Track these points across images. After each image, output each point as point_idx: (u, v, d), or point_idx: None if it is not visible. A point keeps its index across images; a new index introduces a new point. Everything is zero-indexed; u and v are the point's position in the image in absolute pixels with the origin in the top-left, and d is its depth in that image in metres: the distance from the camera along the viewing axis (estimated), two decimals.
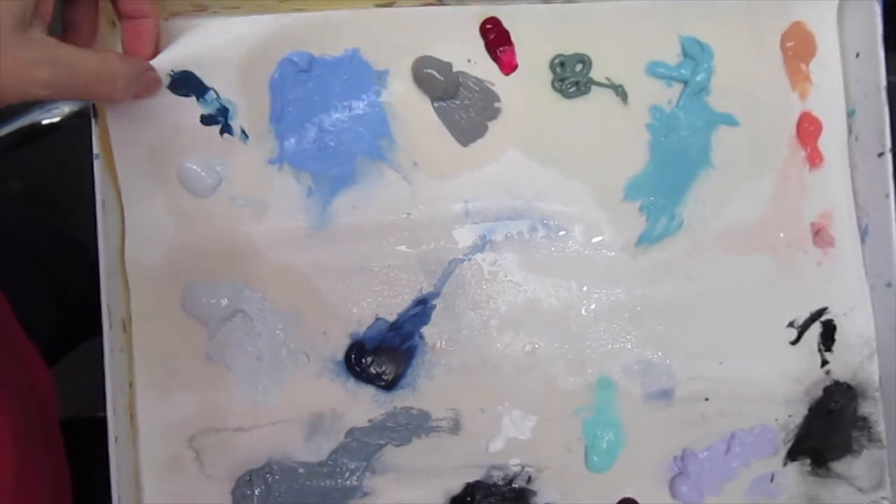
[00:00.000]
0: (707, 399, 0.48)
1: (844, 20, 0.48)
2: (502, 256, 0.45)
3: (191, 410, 0.43)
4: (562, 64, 0.45)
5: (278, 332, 0.44)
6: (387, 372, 0.45)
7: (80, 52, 0.34)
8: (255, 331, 0.44)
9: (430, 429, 0.45)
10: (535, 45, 0.45)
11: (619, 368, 0.47)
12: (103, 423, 0.40)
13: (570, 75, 0.45)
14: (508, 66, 0.45)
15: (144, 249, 0.43)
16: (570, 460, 0.46)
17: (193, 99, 0.42)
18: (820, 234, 0.49)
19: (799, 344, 0.49)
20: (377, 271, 0.44)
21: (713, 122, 0.47)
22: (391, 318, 0.45)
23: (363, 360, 0.44)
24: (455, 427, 0.45)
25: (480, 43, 0.44)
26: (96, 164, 0.40)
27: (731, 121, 0.47)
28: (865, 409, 0.49)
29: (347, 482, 0.45)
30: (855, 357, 0.49)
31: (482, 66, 0.45)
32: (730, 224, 0.47)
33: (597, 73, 0.45)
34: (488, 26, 0.44)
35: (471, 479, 0.46)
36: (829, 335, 0.49)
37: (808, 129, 0.48)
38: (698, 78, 0.46)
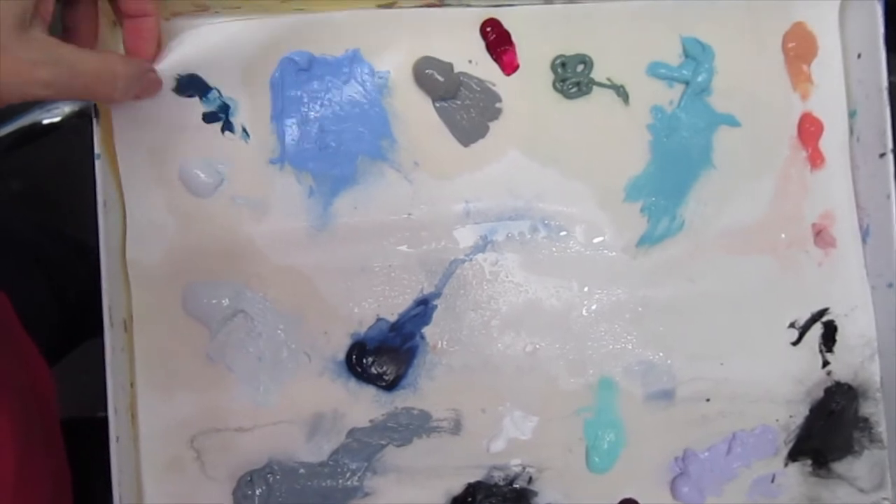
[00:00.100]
0: (708, 399, 0.48)
1: (846, 21, 0.48)
2: (503, 257, 0.45)
3: (192, 411, 0.43)
4: (563, 64, 0.45)
5: (279, 332, 0.44)
6: (388, 372, 0.45)
7: (80, 53, 0.34)
8: (256, 331, 0.44)
9: (431, 429, 0.45)
10: (536, 45, 0.45)
11: (621, 369, 0.47)
12: (104, 423, 0.40)
13: (572, 76, 0.45)
14: (509, 67, 0.45)
15: (145, 249, 0.43)
16: (571, 461, 0.46)
17: (196, 99, 0.42)
18: (821, 235, 0.49)
19: (800, 344, 0.49)
20: (378, 271, 0.44)
21: (714, 123, 0.47)
22: (392, 318, 0.45)
23: (364, 361, 0.44)
24: (456, 427, 0.45)
25: (482, 43, 0.44)
26: (98, 164, 0.40)
27: (732, 121, 0.47)
28: (866, 409, 0.49)
29: (348, 482, 0.45)
30: (856, 358, 0.49)
31: (483, 67, 0.45)
32: (731, 225, 0.47)
33: (598, 74, 0.45)
34: (488, 28, 0.44)
35: (472, 480, 0.46)
36: (830, 336, 0.49)
37: (809, 130, 0.48)
38: (699, 78, 0.46)
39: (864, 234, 0.49)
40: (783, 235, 0.48)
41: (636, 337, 0.47)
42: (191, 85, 0.42)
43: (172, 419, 0.43)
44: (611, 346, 0.46)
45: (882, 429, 0.49)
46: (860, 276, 0.49)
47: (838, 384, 0.49)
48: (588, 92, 0.45)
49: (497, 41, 0.44)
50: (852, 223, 0.49)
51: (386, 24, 0.44)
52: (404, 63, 0.44)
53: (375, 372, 0.44)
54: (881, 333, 0.49)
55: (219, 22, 0.41)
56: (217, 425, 0.44)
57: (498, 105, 0.45)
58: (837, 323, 0.49)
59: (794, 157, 0.48)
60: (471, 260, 0.45)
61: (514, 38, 0.45)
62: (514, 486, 0.46)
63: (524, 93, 0.45)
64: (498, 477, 0.46)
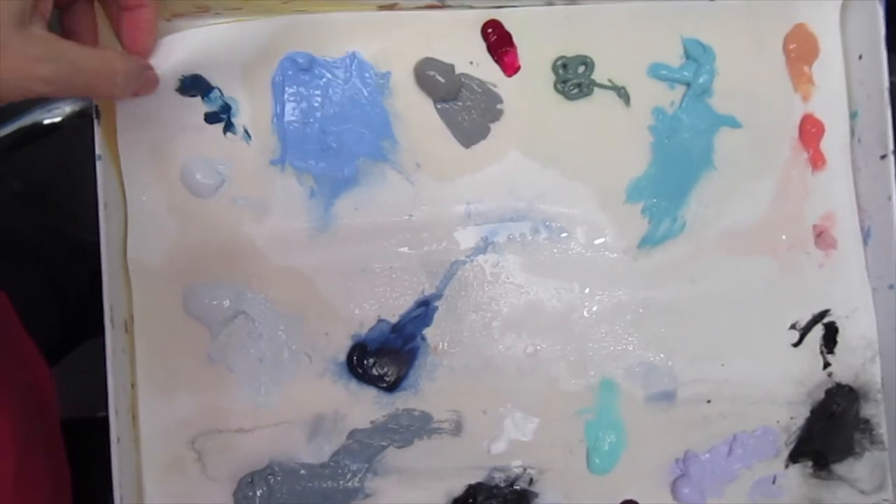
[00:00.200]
0: (709, 401, 0.47)
1: (847, 22, 0.48)
2: (504, 258, 0.45)
3: (193, 411, 0.43)
4: (564, 66, 0.45)
5: (280, 333, 0.44)
6: (389, 373, 0.44)
7: (80, 49, 0.34)
8: (257, 332, 0.44)
9: (431, 430, 0.45)
10: (537, 46, 0.45)
11: (622, 370, 0.47)
12: (104, 423, 0.40)
13: (573, 77, 0.45)
14: (511, 68, 0.45)
15: (146, 250, 0.43)
16: (572, 462, 0.46)
17: (198, 98, 0.42)
18: (822, 237, 0.49)
19: (801, 346, 0.49)
20: (379, 273, 0.44)
21: (715, 124, 0.47)
22: (393, 319, 0.45)
23: (365, 362, 0.44)
24: (457, 429, 0.45)
25: (483, 45, 0.45)
26: (99, 165, 0.40)
27: (733, 123, 0.47)
28: (867, 411, 0.49)
29: (349, 483, 0.45)
30: (857, 359, 0.49)
31: (485, 68, 0.45)
32: (732, 226, 0.47)
33: (599, 75, 0.45)
34: (489, 29, 0.44)
35: (472, 481, 0.46)
36: (831, 337, 0.49)
37: (810, 131, 0.48)
38: (701, 80, 0.46)
39: (866, 235, 0.49)
40: (784, 237, 0.48)
41: (637, 338, 0.47)
42: (194, 85, 0.42)
43: (173, 420, 0.43)
44: (612, 348, 0.46)
45: (883, 430, 0.49)
46: (861, 278, 0.49)
47: (839, 386, 0.49)
48: (589, 93, 0.45)
49: (498, 42, 0.44)
50: (853, 225, 0.49)
51: (387, 25, 0.44)
52: (405, 64, 0.44)
53: (376, 373, 0.44)
54: (882, 335, 0.49)
55: (220, 23, 0.41)
56: (218, 426, 0.44)
57: (499, 106, 0.45)
58: (838, 324, 0.49)
59: (795, 158, 0.48)
60: (472, 261, 0.45)
61: (515, 40, 0.45)
62: (515, 487, 0.46)
63: (525, 94, 0.45)
64: (499, 478, 0.46)
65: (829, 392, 0.49)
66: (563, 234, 0.46)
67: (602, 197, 0.46)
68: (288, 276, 0.44)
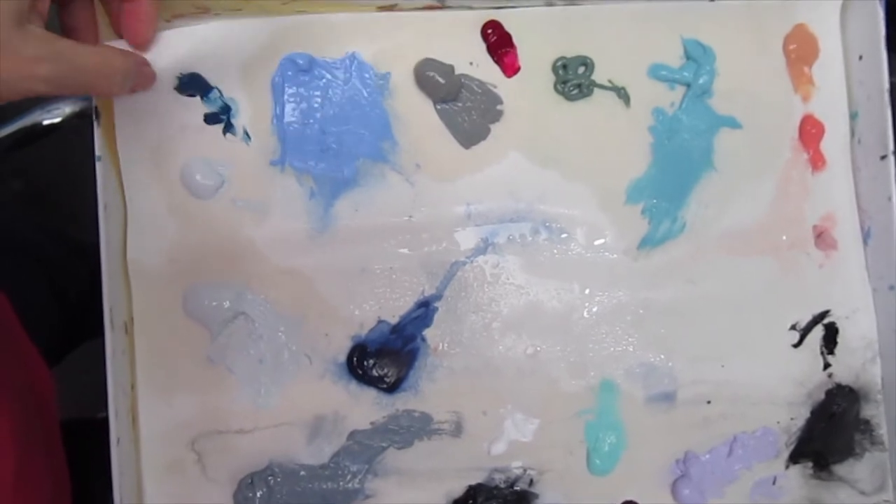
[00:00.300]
0: (709, 402, 0.47)
1: (847, 22, 0.48)
2: (504, 259, 0.45)
3: (192, 413, 0.43)
4: (564, 66, 0.45)
5: (280, 334, 0.44)
6: (389, 374, 0.44)
7: (78, 47, 0.34)
8: (257, 333, 0.44)
9: (431, 431, 0.45)
10: (537, 47, 0.45)
11: (622, 371, 0.47)
12: (103, 424, 0.40)
13: (573, 78, 0.45)
14: (511, 69, 0.45)
15: (146, 251, 0.43)
16: (572, 463, 0.46)
17: (198, 98, 0.42)
18: (822, 237, 0.49)
19: (801, 347, 0.49)
20: (379, 273, 0.44)
21: (716, 125, 0.47)
22: (393, 320, 0.45)
23: (365, 363, 0.44)
24: (457, 430, 0.45)
25: (483, 45, 0.44)
26: (98, 166, 0.40)
27: (733, 123, 0.47)
28: (868, 412, 0.49)
29: (349, 485, 0.44)
30: (857, 360, 0.49)
31: (484, 69, 0.45)
32: (732, 226, 0.47)
33: (599, 76, 0.45)
34: (489, 30, 0.44)
35: (473, 482, 0.46)
36: (831, 338, 0.49)
37: (810, 132, 0.48)
38: (701, 80, 0.46)
39: (866, 236, 0.49)
40: (784, 237, 0.48)
41: (637, 339, 0.47)
42: (192, 84, 0.42)
43: (173, 421, 0.43)
44: (612, 349, 0.46)
45: (883, 431, 0.49)
46: (861, 279, 0.49)
47: (839, 386, 0.49)
48: (589, 94, 0.45)
49: (498, 43, 0.44)
50: (853, 225, 0.49)
51: (387, 26, 0.44)
52: (405, 65, 0.44)
53: (376, 374, 0.44)
54: (882, 336, 0.49)
55: (220, 23, 0.41)
56: (218, 427, 0.44)
57: (499, 107, 0.45)
58: (839, 325, 0.49)
59: (796, 158, 0.48)
60: (472, 262, 0.45)
61: (515, 40, 0.44)
62: (515, 488, 0.46)
63: (525, 95, 0.45)
64: (499, 479, 0.46)
65: (829, 393, 0.49)
66: (563, 235, 0.46)
67: (602, 198, 0.46)
68: (288, 277, 0.44)
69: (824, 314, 0.49)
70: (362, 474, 0.45)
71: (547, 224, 0.46)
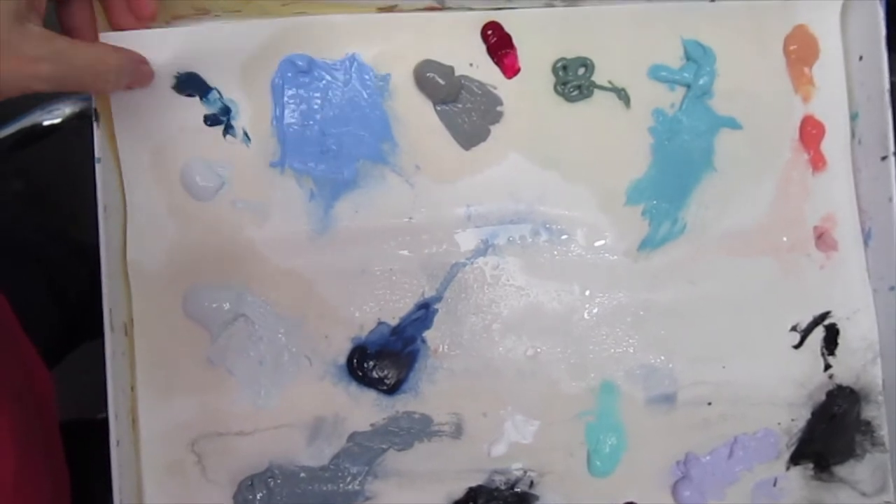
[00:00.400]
0: (710, 403, 0.47)
1: (847, 23, 0.48)
2: (504, 260, 0.45)
3: (192, 414, 0.43)
4: (564, 67, 0.45)
5: (280, 336, 0.44)
6: (389, 376, 0.44)
7: (76, 45, 0.34)
8: (257, 335, 0.44)
9: (432, 433, 0.45)
10: (537, 48, 0.45)
11: (622, 372, 0.46)
12: (103, 425, 0.40)
13: (573, 79, 0.45)
14: (511, 70, 0.45)
15: (146, 252, 0.43)
16: (573, 464, 0.46)
17: (197, 99, 0.42)
18: (823, 238, 0.49)
19: (802, 348, 0.49)
20: (379, 275, 0.44)
21: (716, 126, 0.47)
22: (393, 322, 0.45)
23: (365, 365, 0.44)
24: (457, 431, 0.45)
25: (483, 47, 0.44)
26: (98, 167, 0.40)
27: (733, 124, 0.47)
28: (868, 413, 0.49)
29: (349, 486, 0.44)
30: (858, 361, 0.49)
31: (484, 70, 0.45)
32: (732, 227, 0.47)
33: (599, 77, 0.45)
34: (489, 31, 0.44)
35: (473, 484, 0.45)
36: (832, 339, 0.49)
37: (810, 133, 0.48)
38: (701, 81, 0.46)
39: (866, 236, 0.49)
40: (785, 238, 0.48)
41: (637, 340, 0.47)
42: (190, 83, 0.42)
43: (173, 423, 0.43)
44: (612, 350, 0.46)
45: (884, 432, 0.49)
46: (862, 280, 0.49)
47: (840, 387, 0.49)
48: (589, 95, 0.45)
49: (498, 44, 0.44)
50: (854, 226, 0.49)
51: (387, 27, 0.44)
52: (405, 66, 0.44)
53: (376, 376, 0.44)
54: (883, 337, 0.49)
55: (220, 25, 0.41)
56: (218, 429, 0.44)
57: (499, 108, 0.45)
58: (839, 326, 0.49)
59: (796, 159, 0.48)
60: (472, 263, 0.45)
61: (515, 41, 0.44)
62: (516, 490, 0.46)
63: (525, 96, 0.45)
64: (499, 481, 0.46)
65: (830, 394, 0.49)
66: (564, 237, 0.46)
67: (602, 199, 0.46)
68: (288, 279, 0.44)
69: (825, 315, 0.49)
70: (362, 476, 0.45)
71: (547, 225, 0.46)
